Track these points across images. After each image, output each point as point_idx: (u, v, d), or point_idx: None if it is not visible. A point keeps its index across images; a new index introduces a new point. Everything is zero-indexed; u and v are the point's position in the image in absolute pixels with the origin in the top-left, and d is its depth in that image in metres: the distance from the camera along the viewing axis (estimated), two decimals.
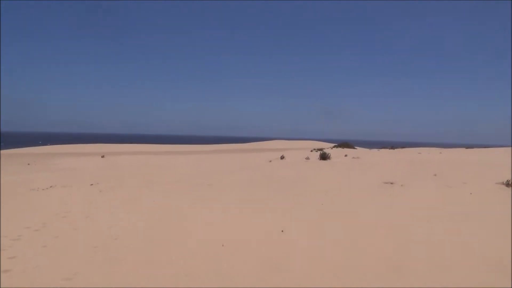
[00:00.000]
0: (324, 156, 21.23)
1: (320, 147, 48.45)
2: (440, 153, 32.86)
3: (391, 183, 11.29)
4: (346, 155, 25.32)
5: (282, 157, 23.16)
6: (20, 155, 35.73)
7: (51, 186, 11.43)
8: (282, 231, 5.84)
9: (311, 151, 35.27)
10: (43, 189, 10.75)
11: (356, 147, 47.49)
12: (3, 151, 38.23)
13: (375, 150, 38.23)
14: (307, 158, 22.11)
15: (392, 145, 53.35)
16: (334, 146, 45.86)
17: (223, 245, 5.10)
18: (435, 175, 13.29)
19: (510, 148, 40.18)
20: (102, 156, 32.10)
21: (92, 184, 11.77)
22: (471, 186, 10.61)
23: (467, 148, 41.45)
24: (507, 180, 10.36)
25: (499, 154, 27.90)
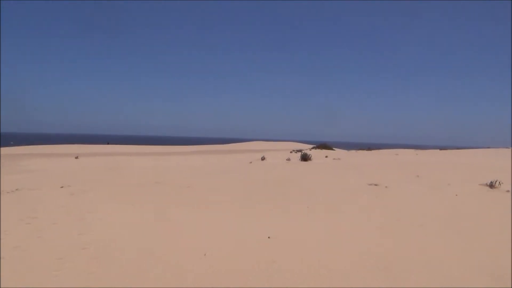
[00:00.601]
0: (305, 157, 21.00)
1: (299, 148, 48.44)
2: (417, 154, 33.37)
3: (376, 185, 11.07)
4: (326, 156, 25.20)
5: (262, 158, 22.79)
6: None
7: (17, 189, 10.62)
8: (268, 237, 5.42)
9: (291, 152, 35.10)
10: (7, 192, 9.95)
11: (334, 149, 47.70)
12: None
13: (353, 152, 38.44)
14: (288, 160, 21.83)
15: (369, 147, 54.00)
16: (313, 148, 45.91)
17: (205, 255, 4.64)
18: (418, 176, 13.21)
19: (487, 149, 41.21)
20: (76, 157, 30.88)
21: (62, 187, 11.03)
22: (455, 187, 10.51)
23: (440, 149, 42.26)
24: (491, 182, 10.30)
25: (475, 155, 28.46)
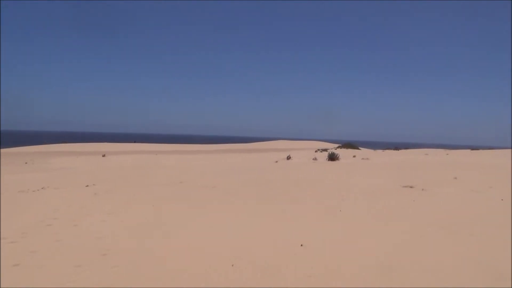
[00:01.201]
0: (332, 157, 20.34)
1: (323, 147, 47.55)
2: (447, 154, 31.78)
3: (411, 187, 10.38)
4: (354, 156, 24.40)
5: (288, 158, 22.29)
6: (19, 153, 35.00)
7: (42, 188, 10.59)
8: (301, 245, 4.95)
9: (316, 151, 34.38)
10: (33, 191, 9.91)
11: (360, 148, 46.53)
12: (2, 150, 37.49)
13: (380, 151, 37.26)
14: (315, 159, 21.23)
15: (396, 146, 52.31)
16: (338, 147, 44.93)
17: (232, 265, 4.22)
18: (455, 178, 12.37)
19: None
20: (103, 155, 31.32)
21: (87, 186, 10.93)
22: (498, 191, 9.69)
23: (472, 150, 40.18)
24: None
25: (507, 156, 26.82)
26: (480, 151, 36.27)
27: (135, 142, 65.02)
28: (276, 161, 21.21)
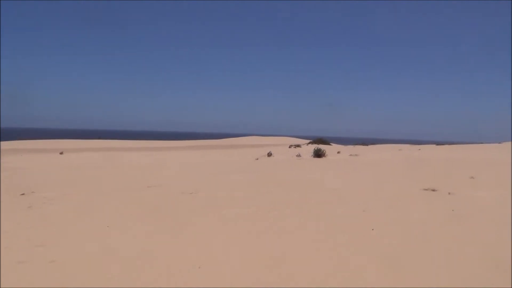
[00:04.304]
0: (319, 153, 18.51)
1: (295, 143, 45.99)
2: (419, 149, 30.30)
3: (433, 190, 8.57)
4: (339, 152, 22.70)
5: (269, 154, 20.28)
6: None
7: None
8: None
9: (290, 147, 32.71)
10: None
11: (331, 144, 45.18)
12: None
13: (351, 147, 35.85)
14: (299, 156, 19.33)
15: (363, 142, 51.06)
16: (309, 142, 43.50)
17: None
18: (472, 177, 10.71)
19: (482, 144, 38.27)
20: (61, 153, 28.15)
21: (23, 194, 8.40)
22: None
23: (437, 145, 39.28)
24: None
25: (488, 151, 25.90)
26: (445, 146, 35.29)
27: (99, 138, 60.97)
28: (257, 159, 19.14)
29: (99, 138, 61.39)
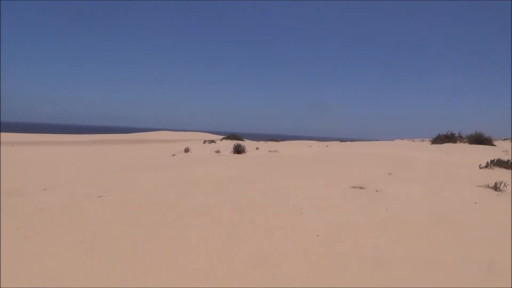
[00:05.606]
0: (239, 149, 17.96)
1: (209, 138, 45.22)
2: (327, 146, 31.58)
3: (360, 188, 8.52)
4: (257, 148, 22.45)
5: (186, 150, 19.12)
6: None
7: None
8: None
9: (204, 142, 31.86)
10: None
11: (244, 139, 45.35)
12: None
13: (262, 142, 36.24)
14: (218, 152, 18.55)
15: (273, 138, 51.83)
16: (223, 138, 43.12)
17: None
18: (390, 174, 11.09)
19: (377, 142, 41.82)
20: None
21: None
22: (454, 189, 8.45)
23: (341, 141, 41.65)
24: (495, 183, 8.46)
25: (395, 147, 28.19)
26: (348, 142, 37.65)
27: None
28: (174, 155, 17.88)
29: None
